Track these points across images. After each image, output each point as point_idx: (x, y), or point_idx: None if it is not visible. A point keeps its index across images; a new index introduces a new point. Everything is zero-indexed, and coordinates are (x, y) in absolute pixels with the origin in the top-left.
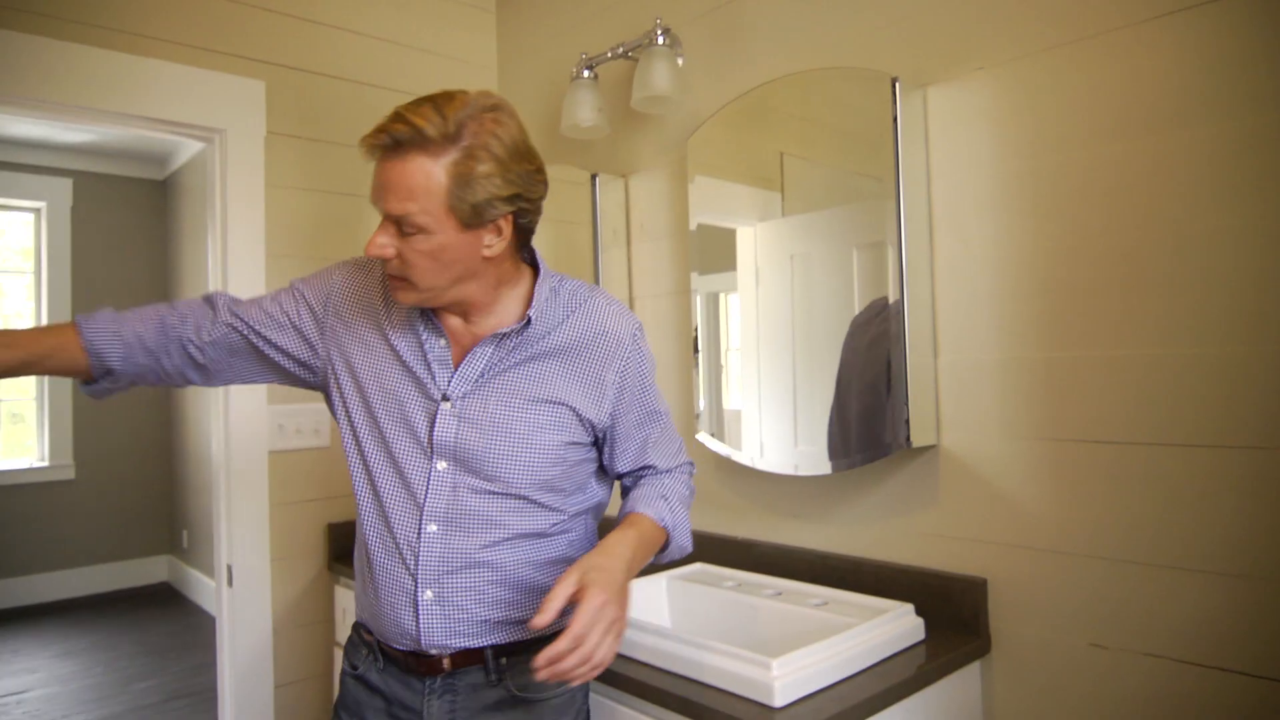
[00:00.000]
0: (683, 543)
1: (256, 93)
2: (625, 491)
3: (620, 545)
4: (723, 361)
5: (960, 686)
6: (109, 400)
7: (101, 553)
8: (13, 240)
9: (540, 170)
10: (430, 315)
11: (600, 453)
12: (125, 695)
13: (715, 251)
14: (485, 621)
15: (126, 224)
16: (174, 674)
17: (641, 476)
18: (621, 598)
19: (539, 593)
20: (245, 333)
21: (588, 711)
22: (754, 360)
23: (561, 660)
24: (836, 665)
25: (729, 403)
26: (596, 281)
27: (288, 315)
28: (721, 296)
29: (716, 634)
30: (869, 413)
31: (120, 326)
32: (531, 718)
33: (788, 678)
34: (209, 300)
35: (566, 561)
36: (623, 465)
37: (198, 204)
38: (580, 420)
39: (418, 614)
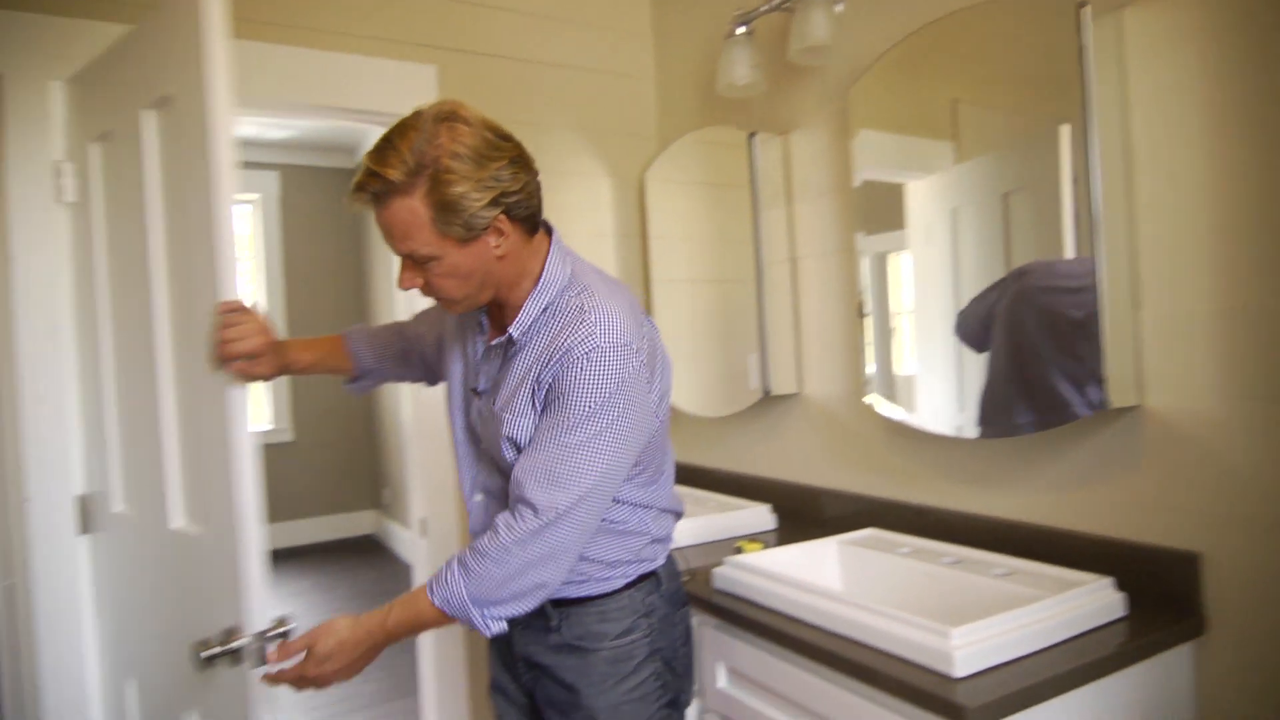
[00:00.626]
0: (468, 618)
1: (429, 77)
2: None
3: (369, 624)
4: (892, 324)
5: (1167, 669)
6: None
7: (317, 507)
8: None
9: (516, 159)
10: (482, 310)
11: None
12: None
13: (882, 208)
14: None
15: (325, 210)
16: None
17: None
18: (337, 669)
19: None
20: (425, 346)
21: (659, 670)
22: (927, 321)
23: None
24: (1024, 638)
25: (901, 367)
26: (757, 243)
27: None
28: (891, 256)
29: (890, 601)
30: (1052, 371)
31: (373, 338)
32: (586, 664)
33: (969, 648)
34: (416, 318)
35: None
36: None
37: None
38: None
39: None
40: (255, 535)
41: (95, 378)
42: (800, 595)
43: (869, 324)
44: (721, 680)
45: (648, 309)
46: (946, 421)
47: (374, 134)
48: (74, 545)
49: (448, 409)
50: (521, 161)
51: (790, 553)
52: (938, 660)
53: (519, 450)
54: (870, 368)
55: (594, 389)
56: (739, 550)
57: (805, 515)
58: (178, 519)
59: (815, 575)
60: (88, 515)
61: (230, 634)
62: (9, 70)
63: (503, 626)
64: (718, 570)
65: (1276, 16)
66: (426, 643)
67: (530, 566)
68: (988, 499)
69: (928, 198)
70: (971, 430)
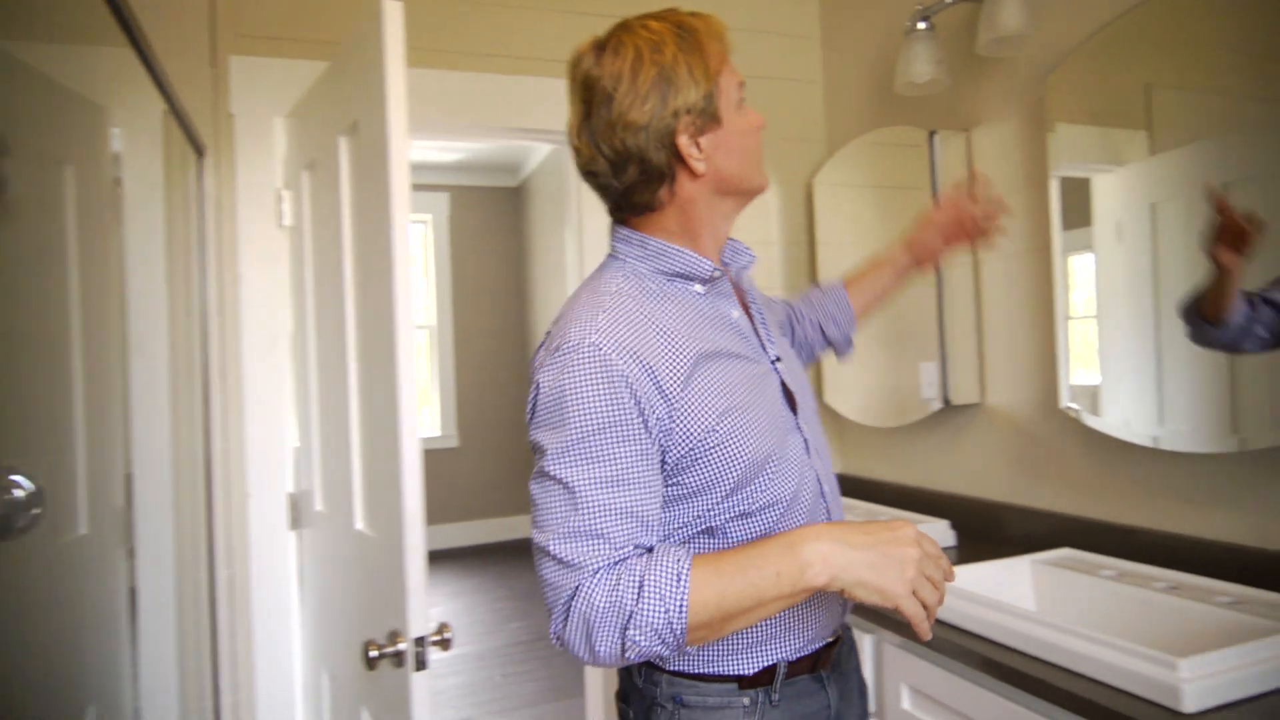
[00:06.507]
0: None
1: None
2: None
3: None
4: (1058, 330)
5: None
6: (482, 381)
7: (480, 510)
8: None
9: None
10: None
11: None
12: (503, 632)
13: (1067, 206)
14: None
15: (490, 227)
16: (539, 617)
17: None
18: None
19: None
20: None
21: None
22: (1118, 325)
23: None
24: (1266, 674)
25: (1074, 376)
26: None
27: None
28: (1067, 258)
29: (1094, 627)
30: None
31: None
32: None
33: (1200, 681)
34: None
35: None
36: None
37: (546, 204)
38: None
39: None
40: (418, 543)
41: (303, 387)
42: (995, 615)
43: (1071, 327)
44: (905, 702)
45: None
46: (1139, 430)
47: (537, 154)
48: (285, 540)
49: (769, 411)
50: None
51: (978, 571)
52: (1162, 694)
53: None
54: (1062, 376)
55: (545, 393)
56: None
57: (988, 533)
58: (359, 520)
59: (1006, 596)
60: (296, 512)
61: (394, 636)
62: (240, 110)
63: None
64: None
65: None
66: None
67: None
68: (1209, 520)
69: (1121, 191)
70: (1183, 443)
